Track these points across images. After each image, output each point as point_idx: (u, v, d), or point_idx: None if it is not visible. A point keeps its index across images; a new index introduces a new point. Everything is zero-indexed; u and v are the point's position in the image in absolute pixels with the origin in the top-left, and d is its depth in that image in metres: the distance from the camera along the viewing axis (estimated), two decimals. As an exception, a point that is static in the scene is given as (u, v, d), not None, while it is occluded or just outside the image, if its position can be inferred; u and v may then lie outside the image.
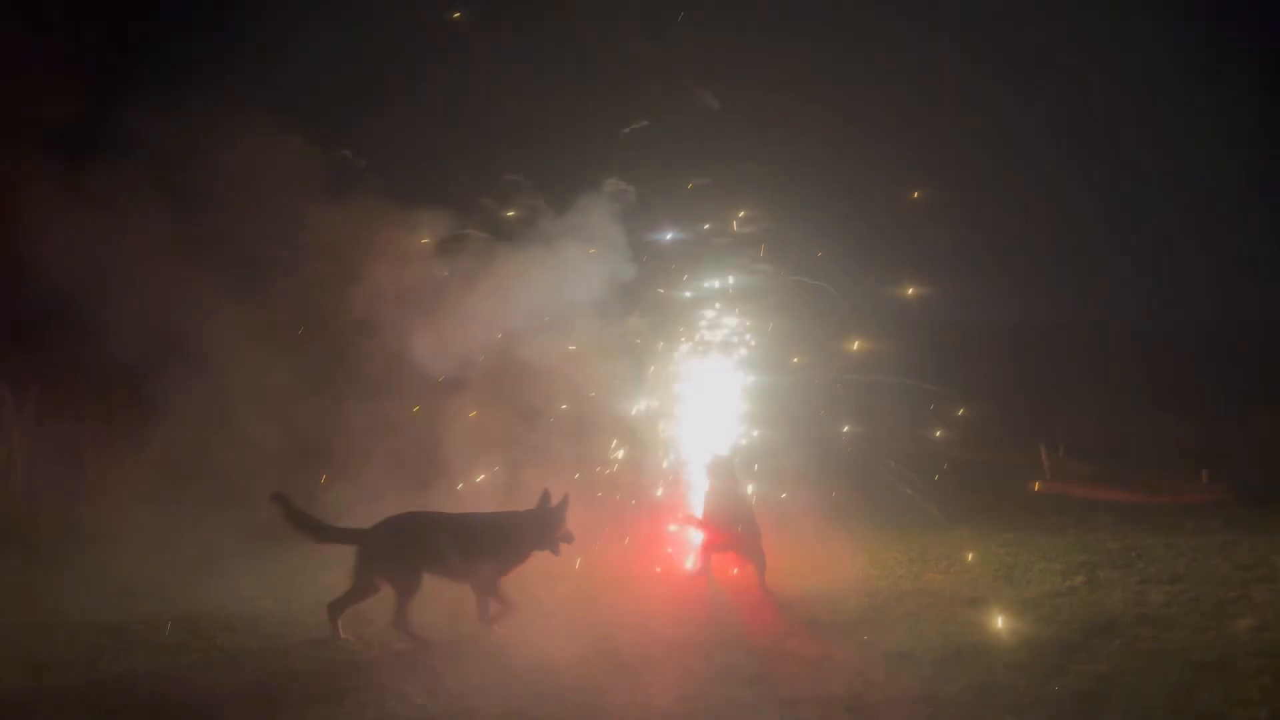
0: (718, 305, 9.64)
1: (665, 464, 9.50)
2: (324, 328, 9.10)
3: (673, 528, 9.05)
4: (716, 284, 9.61)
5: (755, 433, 9.60)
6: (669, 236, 9.57)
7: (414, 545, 6.76)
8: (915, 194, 10.08)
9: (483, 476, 9.18)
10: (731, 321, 9.64)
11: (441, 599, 7.03)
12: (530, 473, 8.67)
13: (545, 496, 7.22)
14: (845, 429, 10.34)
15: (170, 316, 8.89)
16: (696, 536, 8.65)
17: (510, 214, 9.39)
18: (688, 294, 9.57)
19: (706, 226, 9.64)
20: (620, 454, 9.48)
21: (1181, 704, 5.51)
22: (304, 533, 6.75)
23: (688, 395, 9.55)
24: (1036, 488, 13.07)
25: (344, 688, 5.81)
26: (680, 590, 8.27)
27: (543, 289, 8.87)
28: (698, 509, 8.66)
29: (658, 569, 8.80)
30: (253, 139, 8.60)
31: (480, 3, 10.07)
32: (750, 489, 9.14)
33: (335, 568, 8.01)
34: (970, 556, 8.85)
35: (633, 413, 9.41)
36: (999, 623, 6.99)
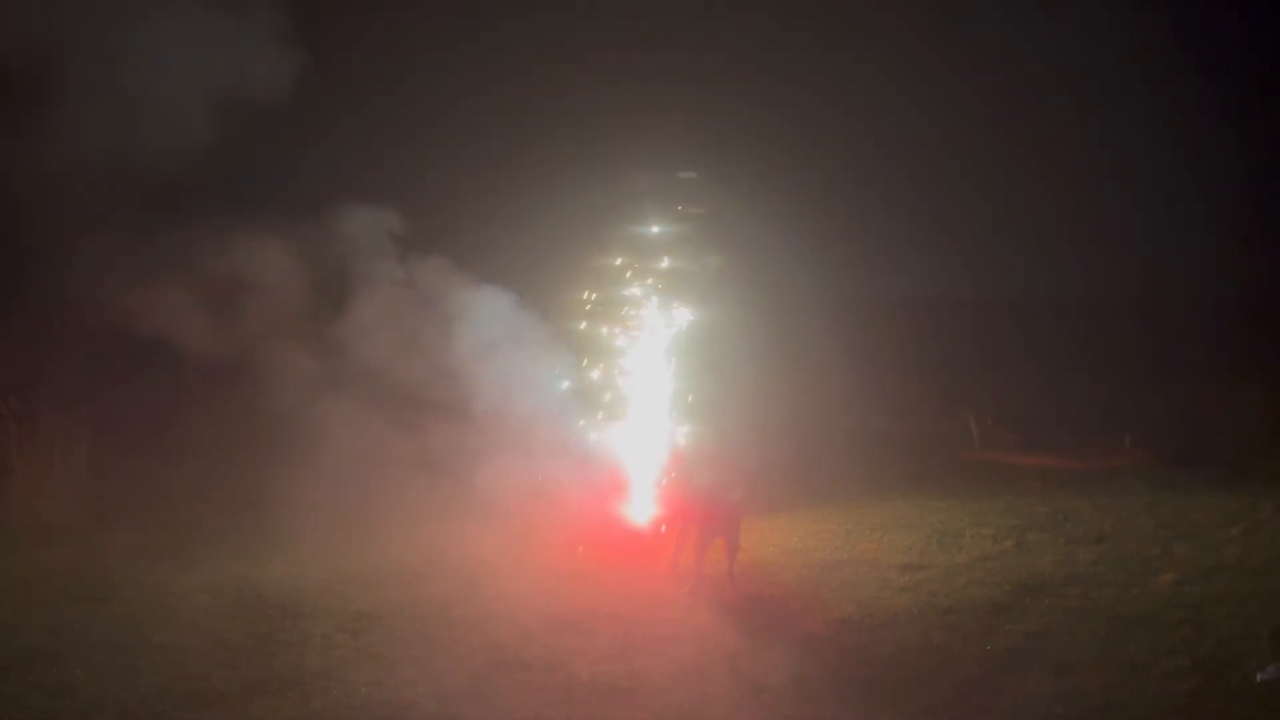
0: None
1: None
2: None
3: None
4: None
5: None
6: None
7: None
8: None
9: None
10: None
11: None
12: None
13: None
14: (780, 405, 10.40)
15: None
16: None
17: None
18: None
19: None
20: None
21: (1109, 656, 5.74)
22: None
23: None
24: (967, 456, 13.33)
25: (287, 679, 5.78)
26: (628, 571, 8.31)
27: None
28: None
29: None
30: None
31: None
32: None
33: (275, 559, 8.00)
34: (903, 525, 9.03)
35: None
36: (932, 587, 7.16)
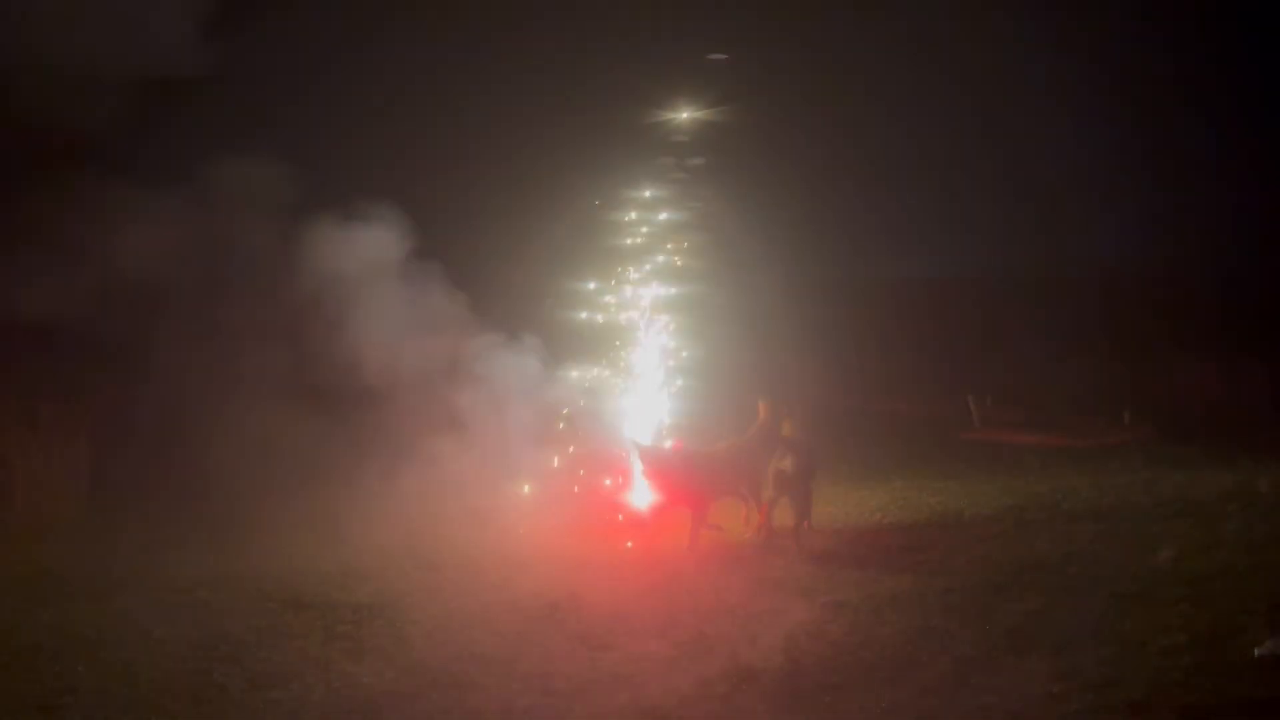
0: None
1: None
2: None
3: None
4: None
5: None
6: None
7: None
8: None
9: None
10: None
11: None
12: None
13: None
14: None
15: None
16: None
17: None
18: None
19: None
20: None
21: (1107, 633, 5.75)
22: None
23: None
24: (966, 436, 13.33)
25: (289, 672, 5.79)
26: (634, 549, 8.33)
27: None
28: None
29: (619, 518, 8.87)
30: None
31: None
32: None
33: (274, 552, 8.02)
34: (902, 506, 9.05)
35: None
36: (931, 567, 7.18)
